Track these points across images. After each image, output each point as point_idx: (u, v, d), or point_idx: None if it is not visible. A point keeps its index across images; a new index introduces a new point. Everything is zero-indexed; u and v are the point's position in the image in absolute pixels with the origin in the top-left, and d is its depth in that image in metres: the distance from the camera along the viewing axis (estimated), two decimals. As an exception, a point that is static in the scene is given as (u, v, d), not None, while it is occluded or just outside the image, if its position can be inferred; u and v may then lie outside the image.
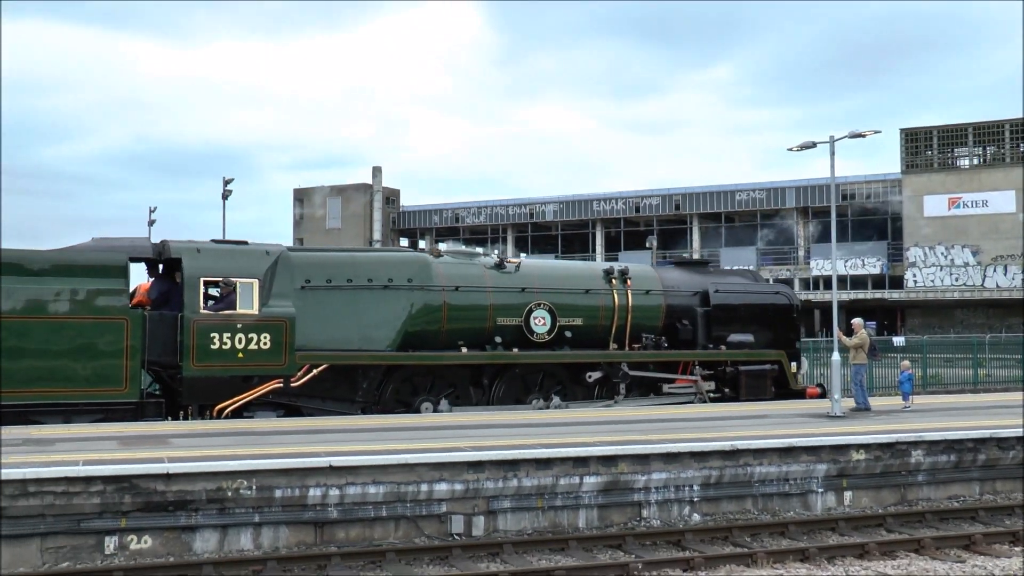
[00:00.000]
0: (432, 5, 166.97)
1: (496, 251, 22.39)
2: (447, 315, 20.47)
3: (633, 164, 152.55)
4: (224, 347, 18.27)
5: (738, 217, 74.22)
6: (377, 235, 78.76)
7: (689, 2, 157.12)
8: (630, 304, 22.25)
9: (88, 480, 11.89)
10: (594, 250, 76.19)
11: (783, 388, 23.41)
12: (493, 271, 21.41)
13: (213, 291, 18.80)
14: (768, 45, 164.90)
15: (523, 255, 23.16)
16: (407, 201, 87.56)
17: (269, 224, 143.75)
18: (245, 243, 20.05)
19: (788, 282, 68.99)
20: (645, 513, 13.93)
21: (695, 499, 14.24)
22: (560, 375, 21.56)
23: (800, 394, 23.47)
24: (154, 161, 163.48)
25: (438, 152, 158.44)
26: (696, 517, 14.13)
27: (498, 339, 20.84)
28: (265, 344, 18.53)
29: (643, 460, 13.93)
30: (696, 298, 23.33)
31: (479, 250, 22.86)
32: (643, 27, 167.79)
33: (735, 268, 28.13)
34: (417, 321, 20.14)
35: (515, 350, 20.81)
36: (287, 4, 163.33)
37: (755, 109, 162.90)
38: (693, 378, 22.37)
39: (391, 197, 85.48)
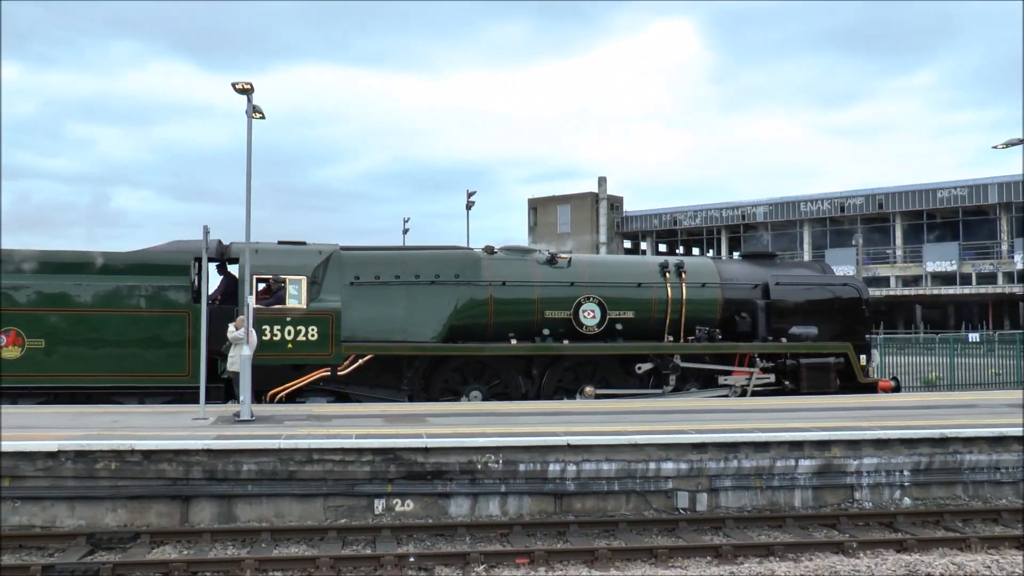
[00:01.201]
0: (654, 30, 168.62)
1: (548, 249, 21.55)
2: (493, 309, 20.23)
3: (838, 168, 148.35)
4: (274, 338, 18.85)
5: (940, 214, 70.78)
6: (603, 238, 79.31)
7: (889, 12, 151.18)
8: (684, 297, 21.21)
9: (360, 451, 12.90)
10: (801, 248, 74.26)
11: (851, 382, 21.60)
12: (543, 266, 20.88)
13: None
14: (967, 50, 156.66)
15: (571, 251, 21.77)
16: (629, 207, 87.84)
17: (507, 231, 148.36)
18: (303, 243, 20.40)
19: (991, 276, 65.79)
20: (857, 495, 13.87)
21: (905, 483, 14.05)
22: (612, 367, 20.73)
23: (870, 388, 21.66)
24: (409, 178, 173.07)
25: (658, 162, 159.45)
26: (907, 501, 13.96)
27: (546, 331, 20.29)
28: (312, 336, 19.05)
29: (855, 445, 13.87)
30: (757, 291, 21.94)
31: (536, 248, 21.96)
32: (847, 39, 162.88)
33: (802, 260, 25.64)
34: (463, 315, 20.04)
35: (566, 342, 20.28)
36: (523, 37, 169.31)
37: (956, 112, 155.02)
38: (748, 370, 21.03)
39: (615, 204, 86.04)
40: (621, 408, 17.59)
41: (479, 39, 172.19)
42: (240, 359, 15.72)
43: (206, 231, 16.02)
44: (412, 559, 11.09)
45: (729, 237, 79.99)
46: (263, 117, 16.07)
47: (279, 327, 18.97)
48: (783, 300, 22.00)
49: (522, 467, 13.09)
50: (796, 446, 13.68)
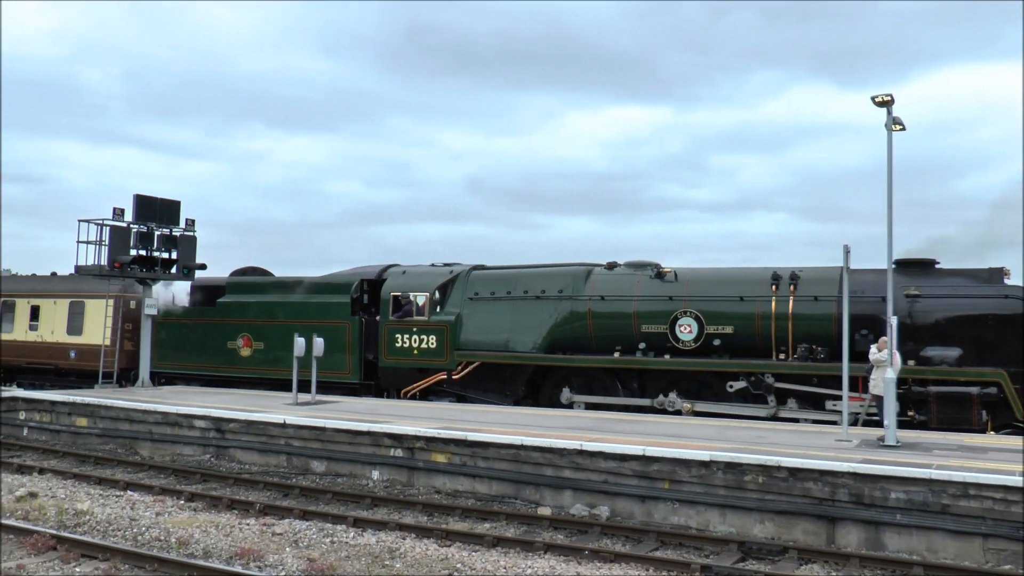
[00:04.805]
0: None
1: (659, 264, 19.81)
2: (592, 322, 19.48)
3: None
4: (404, 345, 20.94)
5: None
6: None
7: None
8: (791, 311, 17.85)
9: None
10: None
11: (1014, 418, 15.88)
12: (649, 281, 19.38)
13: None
14: None
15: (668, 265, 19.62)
16: None
17: None
18: (447, 264, 22.22)
19: None
20: None
21: None
22: (708, 383, 18.52)
23: None
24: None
25: None
26: None
27: (642, 345, 18.96)
28: (432, 344, 20.56)
29: None
30: (885, 305, 15.37)
31: (654, 263, 19.93)
32: None
33: (970, 268, 16.95)
34: (564, 327, 19.76)
35: (667, 356, 18.63)
36: None
37: None
38: (859, 396, 16.46)
39: None
40: None
41: None
42: (884, 381, 14.27)
43: (846, 250, 14.84)
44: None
45: None
46: (903, 129, 14.51)
47: (407, 336, 20.99)
48: (915, 316, 17.07)
49: None
50: None
